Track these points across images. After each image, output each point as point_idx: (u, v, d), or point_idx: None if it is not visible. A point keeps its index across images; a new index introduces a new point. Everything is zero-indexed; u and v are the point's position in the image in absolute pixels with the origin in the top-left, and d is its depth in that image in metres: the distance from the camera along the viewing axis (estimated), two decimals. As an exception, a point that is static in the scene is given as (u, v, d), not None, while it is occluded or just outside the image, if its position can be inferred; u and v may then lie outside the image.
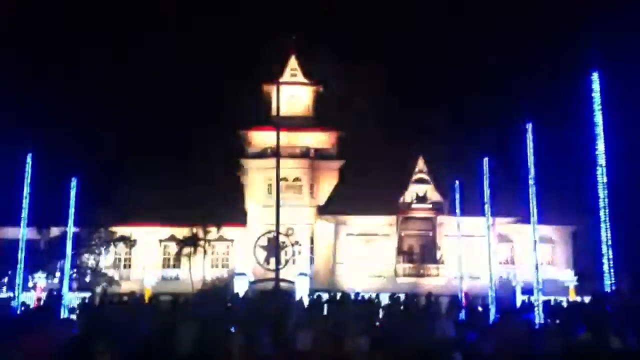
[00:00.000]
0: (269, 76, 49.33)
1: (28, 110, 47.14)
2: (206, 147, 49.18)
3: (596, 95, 19.40)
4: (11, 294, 27.51)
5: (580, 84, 20.25)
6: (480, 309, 22.67)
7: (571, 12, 58.44)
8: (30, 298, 32.48)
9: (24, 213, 25.68)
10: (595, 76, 19.49)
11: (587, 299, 24.14)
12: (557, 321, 16.06)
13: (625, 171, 28.00)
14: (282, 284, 31.04)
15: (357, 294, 28.01)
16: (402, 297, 23.08)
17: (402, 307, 19.64)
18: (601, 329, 11.47)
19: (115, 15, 71.98)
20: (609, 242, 18.86)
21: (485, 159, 26.60)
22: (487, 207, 26.45)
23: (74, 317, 21.69)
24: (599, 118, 19.24)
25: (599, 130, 19.18)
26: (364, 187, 44.87)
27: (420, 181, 46.31)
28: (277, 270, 25.31)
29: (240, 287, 37.66)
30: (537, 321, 17.37)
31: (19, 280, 25.45)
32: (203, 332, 12.11)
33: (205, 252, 46.87)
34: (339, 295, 23.85)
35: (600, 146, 19.11)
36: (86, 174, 30.31)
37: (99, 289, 41.53)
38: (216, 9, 74.35)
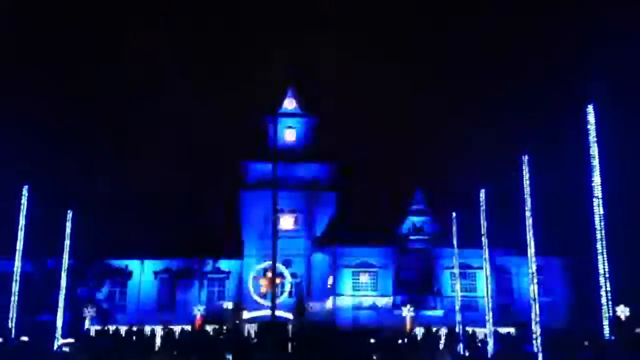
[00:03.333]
0: (267, 108, 49.58)
1: (25, 142, 47.18)
2: (203, 179, 49.20)
3: (592, 128, 19.47)
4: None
5: (577, 116, 20.34)
6: (478, 340, 22.50)
7: (567, 45, 59.08)
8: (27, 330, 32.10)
9: (20, 245, 25.58)
10: (590, 109, 19.60)
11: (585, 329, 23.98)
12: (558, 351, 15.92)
13: (622, 202, 28.01)
14: (279, 316, 30.82)
15: (354, 325, 27.81)
16: (401, 329, 22.93)
17: (400, 340, 19.49)
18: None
19: (113, 46, 72.57)
20: (607, 274, 18.78)
21: (482, 191, 26.69)
22: (484, 238, 26.46)
23: (66, 349, 21.46)
24: (594, 150, 19.29)
25: (595, 162, 19.22)
26: (361, 218, 44.84)
27: (418, 212, 46.26)
28: (273, 302, 25.13)
29: (237, 319, 37.36)
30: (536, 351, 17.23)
31: (13, 312, 25.26)
32: None
33: (201, 284, 46.51)
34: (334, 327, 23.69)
35: (597, 178, 19.13)
36: (82, 206, 30.28)
37: (93, 322, 41.13)
38: (216, 40, 75.04)
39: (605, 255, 18.89)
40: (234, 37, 76.74)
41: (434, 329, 28.69)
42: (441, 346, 16.68)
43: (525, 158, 21.39)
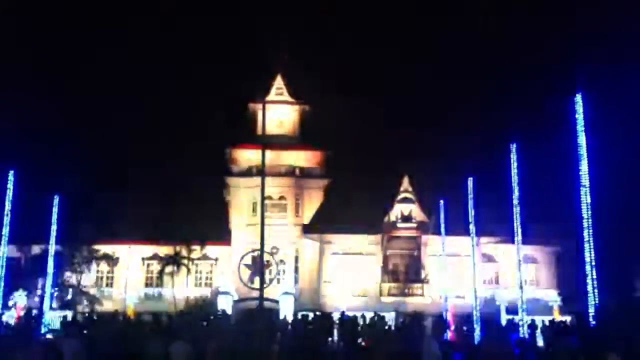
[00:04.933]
0: (255, 95, 49.39)
1: (10, 126, 46.78)
2: (191, 165, 48.97)
3: (579, 117, 19.53)
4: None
5: (565, 105, 20.39)
6: (465, 328, 22.63)
7: (556, 34, 59.20)
8: (11, 316, 32.00)
9: (5, 230, 25.44)
10: (578, 98, 19.64)
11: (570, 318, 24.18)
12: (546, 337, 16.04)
13: (608, 192, 28.20)
14: (266, 303, 30.78)
15: (342, 313, 27.88)
16: (387, 316, 23.01)
17: (387, 326, 19.56)
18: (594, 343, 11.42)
19: (102, 30, 71.87)
20: (593, 262, 18.90)
21: (470, 179, 26.77)
22: (471, 226, 26.56)
23: (50, 336, 21.37)
24: (582, 139, 19.36)
25: (583, 151, 19.29)
26: (349, 206, 44.85)
27: (405, 200, 46.38)
28: (261, 289, 25.07)
29: (224, 306, 37.37)
30: (522, 338, 17.35)
31: (-1, 298, 25.16)
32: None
33: (188, 270, 46.47)
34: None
35: (584, 167, 19.20)
36: (69, 191, 30.11)
37: (80, 308, 41.03)
38: (203, 26, 74.52)
39: (591, 244, 19.01)
40: (222, 21, 76.29)
41: (421, 316, 28.84)
42: (428, 333, 16.72)
43: (514, 146, 21.45)
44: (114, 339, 14.36)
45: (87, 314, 33.02)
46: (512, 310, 30.58)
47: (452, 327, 23.17)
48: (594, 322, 17.71)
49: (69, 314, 31.99)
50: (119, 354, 13.23)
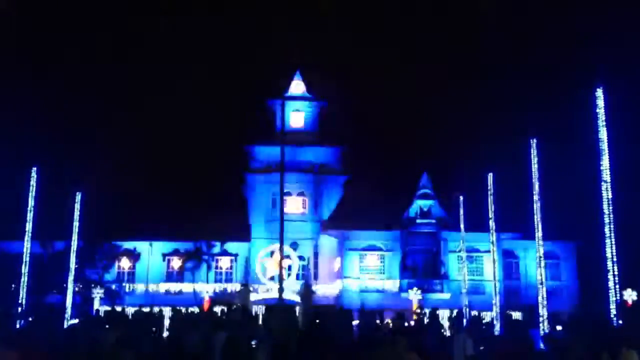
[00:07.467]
0: (274, 91, 49.49)
1: (33, 124, 47.31)
2: (211, 162, 49.26)
3: (600, 111, 19.37)
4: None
5: (585, 99, 20.23)
6: (484, 323, 22.59)
7: (576, 28, 58.63)
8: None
9: (29, 226, 25.77)
10: (599, 92, 19.48)
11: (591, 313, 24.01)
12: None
13: (630, 187, 27.93)
14: (286, 299, 30.96)
15: (361, 308, 27.95)
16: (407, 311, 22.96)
17: (406, 323, 19.57)
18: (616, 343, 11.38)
19: (121, 29, 72.47)
20: (614, 258, 18.76)
21: (490, 175, 26.66)
22: (491, 222, 26.46)
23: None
24: (603, 134, 19.21)
25: (604, 145, 19.14)
26: (368, 202, 44.82)
27: (425, 196, 46.23)
28: (280, 284, 25.23)
29: (244, 301, 37.57)
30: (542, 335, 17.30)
31: (22, 293, 25.52)
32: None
33: (208, 266, 46.76)
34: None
35: (605, 162, 19.06)
36: (91, 188, 30.42)
37: (102, 303, 41.41)
38: (222, 24, 74.75)
39: (612, 240, 18.87)
40: (242, 19, 76.46)
41: (441, 312, 28.84)
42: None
43: (534, 142, 21.33)
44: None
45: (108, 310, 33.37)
46: (531, 306, 30.44)
47: (471, 321, 23.12)
48: (614, 318, 17.61)
49: (91, 310, 32.37)
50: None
